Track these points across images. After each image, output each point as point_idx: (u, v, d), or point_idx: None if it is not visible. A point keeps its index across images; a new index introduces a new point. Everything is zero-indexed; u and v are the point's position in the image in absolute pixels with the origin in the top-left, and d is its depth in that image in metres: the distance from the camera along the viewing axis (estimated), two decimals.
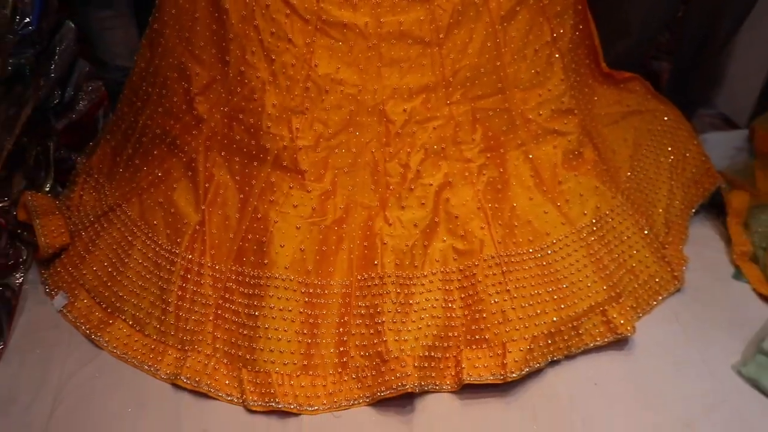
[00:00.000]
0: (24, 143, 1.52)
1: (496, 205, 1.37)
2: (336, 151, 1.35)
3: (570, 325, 1.27)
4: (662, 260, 1.43)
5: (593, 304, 1.30)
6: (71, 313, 1.33)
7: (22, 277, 1.40)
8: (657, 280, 1.41)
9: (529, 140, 1.42)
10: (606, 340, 1.28)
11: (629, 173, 1.55)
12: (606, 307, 1.30)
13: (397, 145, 1.36)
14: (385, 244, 1.29)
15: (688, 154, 1.61)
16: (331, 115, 1.34)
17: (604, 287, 1.33)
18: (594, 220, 1.40)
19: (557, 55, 1.44)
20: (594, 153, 1.46)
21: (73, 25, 1.65)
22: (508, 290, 1.28)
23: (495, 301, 1.26)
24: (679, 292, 1.42)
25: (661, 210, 1.54)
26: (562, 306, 1.28)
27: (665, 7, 1.70)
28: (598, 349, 1.29)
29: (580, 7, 1.49)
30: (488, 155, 1.40)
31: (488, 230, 1.33)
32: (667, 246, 1.48)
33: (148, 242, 1.35)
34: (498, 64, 1.38)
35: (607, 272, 1.35)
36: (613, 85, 1.62)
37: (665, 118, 1.63)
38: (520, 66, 1.40)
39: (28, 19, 1.43)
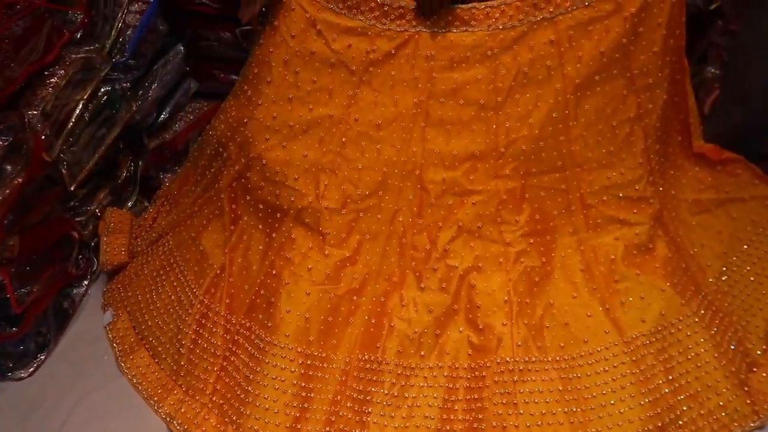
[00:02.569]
0: (117, 160, 1.66)
1: (527, 300, 1.21)
2: (363, 215, 1.28)
3: None
4: (741, 387, 1.18)
5: None
6: (111, 332, 1.42)
7: (87, 286, 1.53)
8: (728, 411, 1.16)
9: (585, 228, 1.24)
10: None
11: (722, 275, 1.29)
12: None
13: (429, 218, 1.26)
14: (392, 326, 1.21)
15: None
16: (362, 176, 1.27)
17: (648, 414, 1.12)
18: (653, 330, 1.18)
19: (640, 134, 1.23)
20: (668, 248, 1.24)
21: (181, 48, 1.75)
22: (515, 404, 1.13)
23: (498, 413, 1.13)
24: None
25: (762, 322, 1.26)
26: None
27: None
28: None
29: (678, 77, 1.25)
30: (531, 241, 1.24)
31: (510, 328, 1.18)
32: (756, 369, 1.21)
33: (179, 276, 1.40)
34: (562, 139, 1.22)
35: (656, 396, 1.14)
36: (708, 167, 1.35)
37: None
38: (589, 143, 1.22)
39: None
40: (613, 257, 1.23)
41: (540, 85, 1.22)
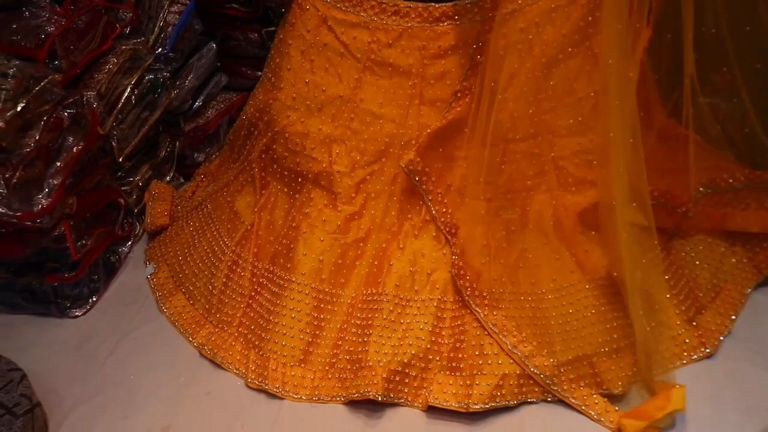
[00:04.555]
0: (157, 140, 1.90)
1: (504, 245, 1.42)
2: (368, 178, 1.51)
3: (548, 373, 1.29)
4: (690, 323, 1.37)
5: (580, 354, 1.30)
6: (153, 281, 1.65)
7: (130, 246, 1.77)
8: (678, 342, 1.36)
9: (557, 187, 1.44)
10: (591, 393, 1.28)
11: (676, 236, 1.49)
12: (595, 360, 1.29)
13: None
14: (391, 265, 1.43)
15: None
16: (367, 146, 1.50)
17: (606, 338, 1.32)
18: (613, 275, 1.38)
19: None
20: None
21: (214, 45, 2.00)
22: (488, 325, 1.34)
23: (477, 333, 1.34)
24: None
25: (708, 275, 1.46)
26: (545, 352, 1.30)
27: None
28: None
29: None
30: (510, 197, 1.45)
31: (488, 266, 1.39)
32: (704, 311, 1.41)
33: (215, 232, 1.62)
34: (533, 110, 1.43)
35: (614, 324, 1.34)
36: (662, 141, 1.56)
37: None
38: (559, 113, 1.43)
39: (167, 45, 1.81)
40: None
41: (513, 66, 1.43)
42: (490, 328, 1.34)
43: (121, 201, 1.75)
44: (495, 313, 1.35)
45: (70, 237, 1.53)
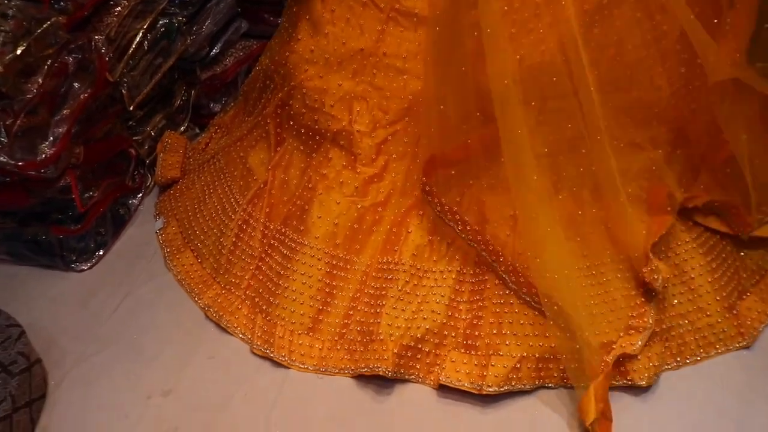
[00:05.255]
0: (172, 88, 1.82)
1: (532, 215, 1.31)
2: (390, 138, 1.40)
3: (573, 356, 1.20)
4: (729, 311, 1.27)
5: (606, 341, 1.21)
6: (161, 236, 1.59)
7: (140, 198, 1.70)
8: (715, 331, 1.26)
9: (598, 149, 1.29)
10: (615, 383, 1.20)
11: None
12: (621, 345, 1.20)
13: None
14: (409, 233, 1.34)
15: None
16: (390, 104, 1.39)
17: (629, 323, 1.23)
18: (651, 252, 1.28)
19: (657, 57, 1.30)
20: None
21: None
22: (511, 303, 1.25)
23: (496, 311, 1.25)
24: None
25: (756, 255, 1.35)
26: (568, 333, 1.21)
27: None
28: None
29: None
30: (543, 161, 1.33)
31: (512, 238, 1.30)
32: (746, 296, 1.31)
33: (226, 189, 1.55)
34: (574, 64, 1.28)
35: (639, 311, 1.24)
36: None
37: None
38: (601, 67, 1.27)
39: None
40: (622, 180, 1.27)
41: (552, 14, 1.29)
42: (511, 305, 1.25)
43: (132, 151, 1.68)
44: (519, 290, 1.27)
45: (76, 188, 1.47)
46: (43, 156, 1.38)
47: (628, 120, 1.33)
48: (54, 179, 1.44)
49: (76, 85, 1.46)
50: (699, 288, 1.29)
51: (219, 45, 1.88)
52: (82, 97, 1.45)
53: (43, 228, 1.50)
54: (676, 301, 1.28)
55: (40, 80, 1.37)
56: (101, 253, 1.56)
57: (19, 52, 1.31)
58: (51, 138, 1.41)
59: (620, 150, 1.31)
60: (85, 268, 1.53)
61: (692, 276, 1.30)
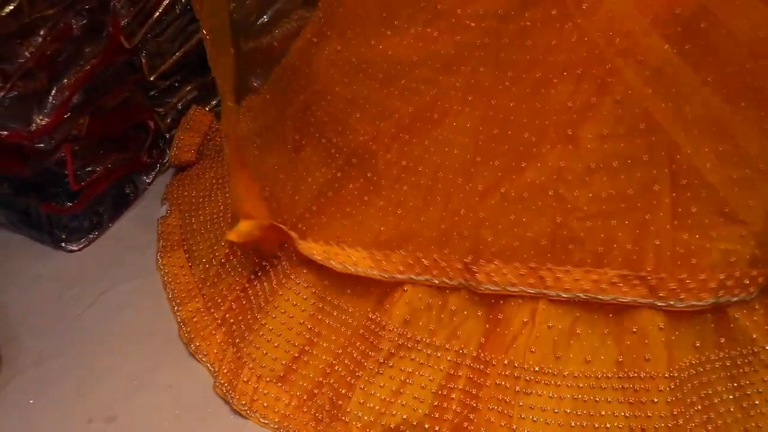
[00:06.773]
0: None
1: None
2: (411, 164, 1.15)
3: None
4: None
5: None
6: (161, 225, 1.43)
7: (153, 176, 1.56)
8: None
9: (670, 218, 0.96)
10: None
11: None
12: None
13: None
14: (405, 291, 1.10)
15: None
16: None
17: None
18: (704, 359, 1.01)
19: None
20: None
21: None
22: (510, 416, 1.00)
23: (490, 419, 1.00)
24: None
25: None
26: None
27: None
28: None
29: None
30: (589, 224, 1.04)
31: (529, 328, 1.04)
32: None
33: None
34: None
35: None
36: None
37: None
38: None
39: None
40: (695, 261, 0.96)
41: None
42: (509, 419, 1.00)
43: (151, 123, 1.53)
44: (522, 401, 1.01)
45: (71, 163, 1.34)
46: (34, 126, 1.25)
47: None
48: (49, 151, 1.32)
49: (86, 50, 1.31)
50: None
51: (269, 13, 1.66)
52: (89, 64, 1.30)
53: (35, 200, 1.38)
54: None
55: (39, 41, 1.23)
56: (93, 236, 1.43)
57: (8, 10, 1.16)
58: (47, 108, 1.27)
59: (696, 220, 0.98)
60: (75, 248, 1.41)
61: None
